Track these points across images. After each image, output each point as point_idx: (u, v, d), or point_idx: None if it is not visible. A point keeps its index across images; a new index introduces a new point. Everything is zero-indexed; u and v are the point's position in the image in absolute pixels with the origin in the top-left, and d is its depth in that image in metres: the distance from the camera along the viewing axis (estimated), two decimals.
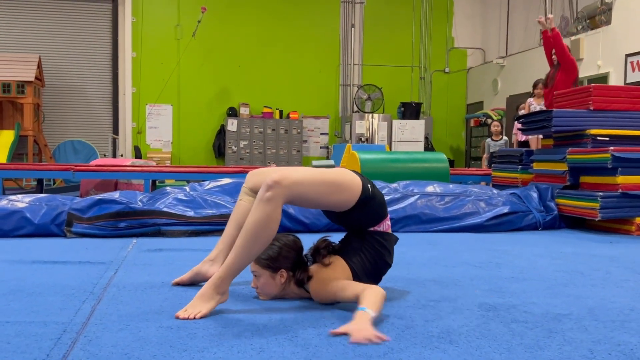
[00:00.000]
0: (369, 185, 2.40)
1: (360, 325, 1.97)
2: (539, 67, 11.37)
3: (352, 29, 14.28)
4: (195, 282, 2.70)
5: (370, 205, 2.38)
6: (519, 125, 6.18)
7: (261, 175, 2.53)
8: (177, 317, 2.17)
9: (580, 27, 11.23)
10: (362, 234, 2.45)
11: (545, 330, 2.07)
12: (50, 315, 2.19)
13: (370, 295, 2.14)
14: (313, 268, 2.41)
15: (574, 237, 4.62)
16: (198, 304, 2.22)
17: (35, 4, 13.58)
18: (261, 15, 13.99)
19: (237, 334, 1.99)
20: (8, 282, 2.75)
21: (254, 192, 2.50)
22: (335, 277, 2.33)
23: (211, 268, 2.62)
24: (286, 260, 2.37)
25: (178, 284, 2.72)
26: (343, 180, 2.34)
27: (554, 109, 5.41)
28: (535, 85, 8.45)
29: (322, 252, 2.43)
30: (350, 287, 2.25)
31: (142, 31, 13.69)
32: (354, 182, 2.36)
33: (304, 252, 2.46)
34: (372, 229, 2.44)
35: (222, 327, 2.07)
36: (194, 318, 2.16)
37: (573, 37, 11.00)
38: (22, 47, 13.42)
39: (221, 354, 1.79)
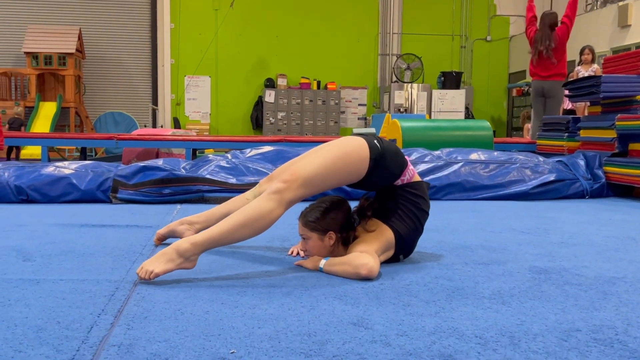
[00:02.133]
0: (375, 142, 2.36)
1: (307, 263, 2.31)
2: (585, 33, 11.06)
3: None
4: (166, 238, 2.74)
5: (385, 161, 2.33)
6: (566, 92, 6.02)
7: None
8: (138, 274, 2.10)
9: None
10: (392, 191, 2.42)
11: (600, 292, 2.02)
12: (103, 274, 2.23)
13: (341, 264, 2.21)
14: (359, 229, 2.40)
15: (623, 205, 4.51)
16: (155, 263, 2.12)
17: None
18: None
19: (287, 292, 1.99)
20: (59, 244, 2.80)
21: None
22: (372, 247, 2.28)
23: (187, 231, 2.65)
24: (334, 222, 2.36)
25: (159, 240, 2.76)
26: (349, 150, 2.31)
27: (603, 75, 5.25)
28: (582, 52, 8.25)
29: (367, 213, 2.40)
30: (366, 250, 2.25)
31: (181, 2, 13.71)
32: (360, 146, 2.32)
33: (352, 214, 2.45)
34: (398, 182, 2.40)
35: (270, 286, 2.08)
36: (148, 278, 2.07)
37: (621, 3, 10.65)
38: (62, 19, 13.59)
39: (272, 310, 1.80)
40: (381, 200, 2.46)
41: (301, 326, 1.66)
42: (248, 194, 2.61)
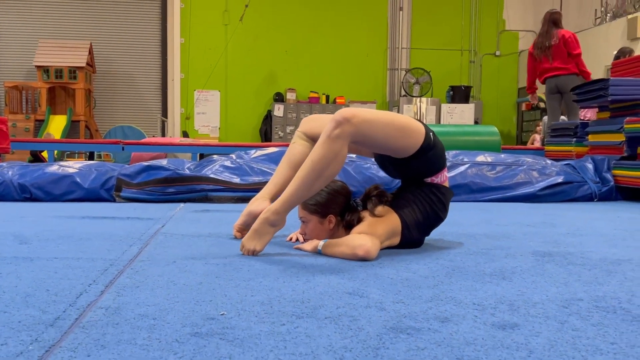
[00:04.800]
0: (431, 134, 2.32)
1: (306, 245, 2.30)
2: (594, 48, 11.03)
3: (400, 12, 14.11)
4: (246, 225, 2.58)
5: (430, 154, 2.28)
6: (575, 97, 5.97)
7: (317, 121, 2.48)
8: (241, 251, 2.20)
9: (638, 5, 10.82)
10: (419, 185, 2.36)
11: (604, 271, 1.97)
12: (98, 254, 2.20)
13: (338, 244, 2.18)
14: (364, 214, 2.35)
15: (632, 207, 4.44)
16: (252, 241, 2.19)
17: None
18: (308, 0, 13.95)
19: (284, 269, 1.96)
20: (58, 231, 2.78)
21: (308, 136, 2.46)
22: (376, 230, 2.23)
23: (262, 204, 2.49)
24: (335, 206, 2.32)
25: (239, 232, 2.61)
26: (409, 125, 2.26)
27: (611, 78, 5.21)
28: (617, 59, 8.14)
29: (373, 199, 2.35)
30: (370, 232, 2.21)
31: (191, 17, 13.81)
32: (419, 129, 2.28)
33: (355, 198, 2.41)
34: (429, 180, 2.35)
35: (268, 264, 2.04)
36: (252, 254, 2.17)
37: (630, 16, 10.61)
38: (74, 34, 13.72)
39: (267, 283, 1.76)
40: (404, 189, 2.41)
41: (295, 295, 1.62)
42: (296, 138, 2.49)
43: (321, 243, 2.25)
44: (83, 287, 1.68)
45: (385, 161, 2.40)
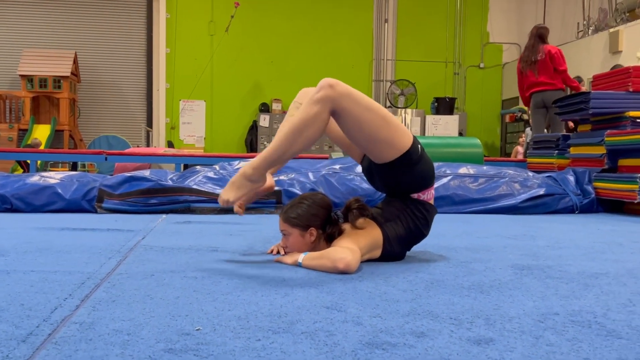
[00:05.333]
0: (419, 146, 2.31)
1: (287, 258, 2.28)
2: (577, 59, 11.15)
3: (386, 24, 14.20)
4: (249, 200, 2.50)
5: (418, 168, 2.28)
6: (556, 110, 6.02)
7: (311, 92, 2.46)
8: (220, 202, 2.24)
9: (620, 19, 10.97)
10: (404, 200, 2.36)
11: (581, 284, 1.98)
12: (75, 267, 2.18)
13: (320, 257, 2.17)
14: (345, 226, 2.35)
15: (612, 219, 4.48)
16: (228, 192, 2.22)
17: (72, 1, 13.80)
18: (294, 11, 14.00)
19: (263, 283, 1.95)
20: (36, 243, 2.75)
21: None
22: (356, 243, 2.23)
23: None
24: (315, 218, 2.32)
25: (241, 208, 2.46)
26: (396, 122, 2.26)
27: (592, 91, 5.27)
28: None
29: (354, 212, 2.35)
30: (351, 244, 2.21)
31: (176, 27, 13.81)
32: (407, 132, 2.28)
33: (336, 211, 2.41)
34: (415, 195, 2.36)
35: (247, 277, 2.04)
36: (226, 205, 2.24)
37: (612, 30, 10.75)
38: (58, 43, 13.65)
39: (245, 296, 1.75)
40: (387, 203, 2.41)
41: (273, 309, 1.61)
42: (292, 110, 2.42)
43: (302, 256, 2.24)
44: (58, 301, 1.66)
45: (372, 170, 2.39)
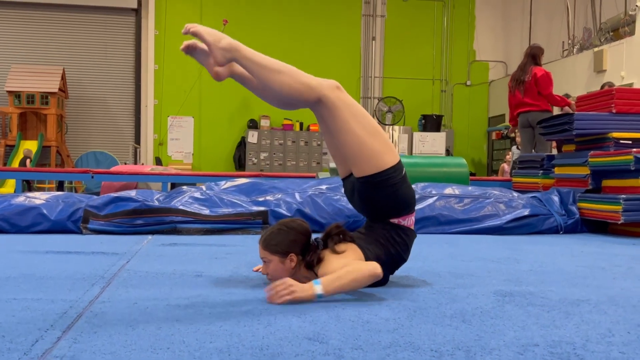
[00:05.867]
0: (403, 169, 2.35)
1: (299, 293, 2.06)
2: (561, 78, 11.27)
3: (373, 41, 14.31)
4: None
5: (399, 189, 2.31)
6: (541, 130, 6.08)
7: None
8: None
9: (604, 38, 11.12)
10: (384, 225, 2.38)
11: (563, 312, 2.00)
12: (58, 295, 2.17)
13: (338, 277, 2.10)
14: (325, 252, 2.36)
15: (596, 240, 4.52)
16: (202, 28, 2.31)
17: (60, 17, 13.81)
18: (282, 28, 14.07)
19: (245, 311, 1.95)
20: (19, 267, 2.74)
21: None
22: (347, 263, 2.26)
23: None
24: (295, 244, 2.33)
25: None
26: (386, 138, 2.34)
27: (576, 112, 5.33)
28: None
29: (334, 237, 2.37)
30: (347, 262, 2.20)
31: (165, 44, 13.84)
32: (394, 151, 2.34)
33: (315, 237, 2.42)
34: (395, 220, 2.38)
35: (230, 305, 2.04)
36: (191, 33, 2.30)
37: (596, 49, 10.89)
38: (47, 59, 13.64)
39: (227, 327, 1.75)
40: (368, 228, 2.43)
41: (254, 340, 1.62)
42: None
43: (316, 287, 2.10)
44: (40, 332, 1.66)
45: (354, 190, 2.41)
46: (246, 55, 2.28)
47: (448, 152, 13.35)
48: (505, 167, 10.19)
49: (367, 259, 2.32)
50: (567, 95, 8.40)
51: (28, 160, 11.69)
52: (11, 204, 4.28)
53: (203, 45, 2.35)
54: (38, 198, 4.39)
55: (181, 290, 2.30)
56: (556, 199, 5.09)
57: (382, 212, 2.39)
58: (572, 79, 11.32)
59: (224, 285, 2.41)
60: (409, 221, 2.40)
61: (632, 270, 2.98)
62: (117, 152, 13.82)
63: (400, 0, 14.37)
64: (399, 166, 2.32)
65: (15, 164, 12.01)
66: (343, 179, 2.54)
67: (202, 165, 14.05)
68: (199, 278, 2.57)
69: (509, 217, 4.76)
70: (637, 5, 10.01)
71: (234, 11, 13.52)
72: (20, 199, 4.35)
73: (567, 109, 7.23)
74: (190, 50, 2.42)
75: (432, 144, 13.06)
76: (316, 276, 2.34)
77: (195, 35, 2.31)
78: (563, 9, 12.45)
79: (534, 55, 7.23)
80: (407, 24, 14.43)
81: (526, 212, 4.81)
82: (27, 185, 11.19)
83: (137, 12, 13.93)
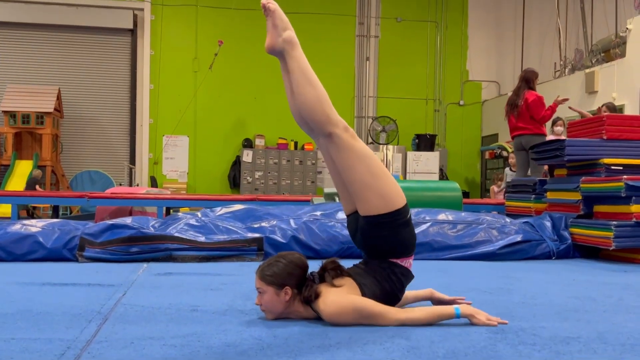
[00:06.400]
0: (409, 213, 2.44)
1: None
2: (554, 98, 11.36)
3: (367, 62, 14.42)
4: None
5: (402, 231, 2.39)
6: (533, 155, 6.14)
7: None
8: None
9: (595, 60, 11.24)
10: (382, 263, 2.44)
11: (553, 352, 2.04)
12: (56, 333, 2.20)
13: (435, 308, 2.37)
14: (322, 287, 2.39)
15: (588, 266, 4.57)
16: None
17: (56, 37, 13.88)
18: None
19: (241, 352, 1.98)
20: (17, 302, 2.77)
21: None
22: (350, 299, 2.30)
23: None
24: (291, 277, 2.36)
25: None
26: (394, 181, 2.42)
27: (567, 138, 5.40)
28: (554, 123, 8.38)
29: (330, 272, 2.41)
30: (391, 312, 2.30)
31: (160, 64, 13.91)
32: (401, 194, 2.42)
33: (312, 271, 2.45)
34: (395, 260, 2.44)
35: (225, 345, 2.07)
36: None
37: (588, 70, 11.01)
38: (42, 79, 13.69)
39: None
40: (365, 264, 2.49)
41: None
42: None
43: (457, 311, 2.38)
44: None
45: (356, 225, 2.46)
46: (295, 55, 2.44)
47: (442, 172, 13.43)
48: (495, 188, 10.27)
49: (363, 294, 2.37)
50: (558, 118, 8.49)
51: (38, 186, 11.74)
52: (7, 232, 4.30)
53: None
54: (34, 226, 4.41)
55: (177, 327, 2.33)
56: (548, 224, 5.14)
57: (382, 252, 2.45)
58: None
59: (220, 322, 2.44)
60: (407, 263, 2.46)
61: (622, 302, 3.02)
62: (112, 172, 13.84)
63: (394, 21, 14.51)
64: (404, 209, 2.40)
65: (12, 183, 12.00)
66: (347, 215, 2.59)
67: (197, 184, 14.08)
68: (195, 313, 2.60)
69: (501, 243, 4.80)
70: (627, 28, 10.14)
71: (229, 31, 13.61)
72: (17, 227, 4.37)
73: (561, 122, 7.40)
74: (267, 11, 2.52)
75: (425, 163, 13.13)
76: (313, 311, 2.38)
77: (268, 12, 2.47)
78: (555, 29, 12.60)
79: (527, 80, 7.32)
80: (400, 44, 14.56)
81: (519, 238, 4.86)
82: (31, 211, 11.34)
83: (132, 32, 14.01)
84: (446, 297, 2.73)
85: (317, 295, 2.36)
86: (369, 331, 2.31)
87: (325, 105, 2.40)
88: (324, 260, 2.48)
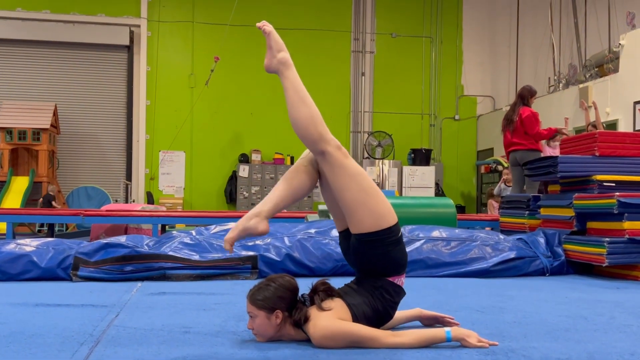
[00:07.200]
0: (400, 232, 2.47)
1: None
2: (548, 113, 11.44)
3: (363, 77, 14.50)
4: (239, 238, 2.47)
5: (393, 250, 2.41)
6: (526, 172, 6.17)
7: None
8: None
9: (589, 75, 11.32)
10: (375, 281, 2.46)
11: None
12: (47, 357, 2.20)
13: (425, 331, 2.39)
14: (312, 310, 2.40)
15: (581, 283, 4.58)
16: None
17: (52, 54, 13.94)
18: None
19: None
20: (9, 324, 2.77)
21: (313, 163, 2.55)
22: (338, 325, 2.31)
23: (261, 224, 2.44)
24: (282, 301, 2.37)
25: (231, 245, 2.45)
26: (386, 200, 2.44)
27: (560, 155, 5.43)
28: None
29: (320, 294, 2.42)
30: (380, 337, 2.32)
31: (157, 80, 13.97)
32: (393, 213, 2.44)
33: (302, 293, 2.46)
34: (387, 278, 2.46)
35: None
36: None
37: (582, 85, 11.08)
38: (39, 95, 13.74)
39: None
40: (358, 282, 2.50)
41: None
42: (302, 160, 2.57)
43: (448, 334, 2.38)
44: None
45: (348, 243, 2.48)
46: (288, 76, 2.57)
47: (437, 186, 13.46)
48: (494, 203, 10.29)
49: (353, 315, 2.37)
50: (557, 133, 8.50)
51: (54, 202, 11.85)
52: (1, 252, 4.31)
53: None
54: (28, 245, 4.42)
55: (169, 349, 2.33)
56: (542, 240, 5.16)
57: (374, 270, 2.46)
58: (558, 114, 11.48)
59: (212, 343, 2.44)
60: (400, 281, 2.47)
61: (613, 321, 3.03)
62: (109, 187, 13.85)
63: (389, 37, 14.61)
64: (395, 227, 2.41)
65: (8, 200, 12.00)
66: (340, 232, 2.61)
67: (193, 199, 14.09)
68: (187, 335, 2.60)
69: (495, 260, 4.81)
70: (620, 43, 10.22)
71: (225, 47, 13.68)
72: (11, 246, 4.38)
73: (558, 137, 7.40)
74: (263, 33, 2.67)
75: (421, 177, 13.17)
76: (304, 334, 2.39)
77: (265, 34, 2.63)
78: (549, 45, 12.69)
79: (522, 96, 7.39)
80: (396, 60, 14.65)
81: (512, 254, 4.87)
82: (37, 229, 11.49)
83: (129, 48, 14.08)
84: (434, 313, 2.74)
85: (306, 319, 2.37)
86: (360, 353, 2.32)
87: (318, 123, 2.44)
88: (315, 281, 2.49)
